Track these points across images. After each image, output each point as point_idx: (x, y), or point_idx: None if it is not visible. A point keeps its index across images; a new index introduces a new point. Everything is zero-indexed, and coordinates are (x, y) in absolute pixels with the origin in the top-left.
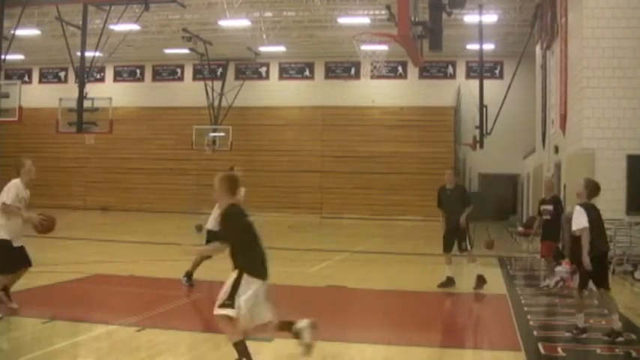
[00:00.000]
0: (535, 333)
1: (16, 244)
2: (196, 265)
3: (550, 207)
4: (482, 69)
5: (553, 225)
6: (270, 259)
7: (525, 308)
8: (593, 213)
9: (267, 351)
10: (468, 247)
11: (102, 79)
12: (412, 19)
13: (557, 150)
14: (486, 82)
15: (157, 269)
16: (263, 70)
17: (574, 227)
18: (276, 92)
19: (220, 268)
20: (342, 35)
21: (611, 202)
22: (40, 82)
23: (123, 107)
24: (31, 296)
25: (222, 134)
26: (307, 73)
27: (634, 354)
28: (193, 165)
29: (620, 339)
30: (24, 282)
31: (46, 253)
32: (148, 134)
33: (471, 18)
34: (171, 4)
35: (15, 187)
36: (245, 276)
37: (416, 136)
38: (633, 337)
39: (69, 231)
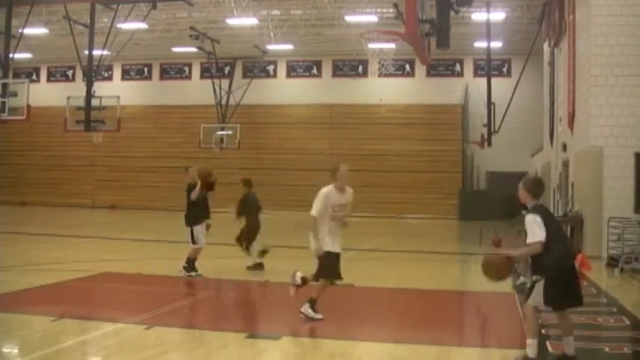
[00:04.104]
0: (543, 331)
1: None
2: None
3: None
4: (489, 67)
5: None
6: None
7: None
8: (548, 218)
9: (275, 349)
10: None
11: (110, 78)
12: (419, 17)
13: (565, 148)
14: (494, 80)
15: (165, 267)
16: (271, 68)
17: (529, 239)
18: (284, 90)
19: (222, 267)
20: (350, 33)
21: (619, 200)
22: (48, 80)
23: (130, 105)
24: (39, 294)
25: (229, 132)
26: (315, 71)
27: None
28: (201, 163)
29: None
30: (31, 280)
31: (54, 251)
32: (155, 132)
33: (478, 16)
34: (178, 2)
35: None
36: None
37: (423, 134)
38: None
39: (77, 229)
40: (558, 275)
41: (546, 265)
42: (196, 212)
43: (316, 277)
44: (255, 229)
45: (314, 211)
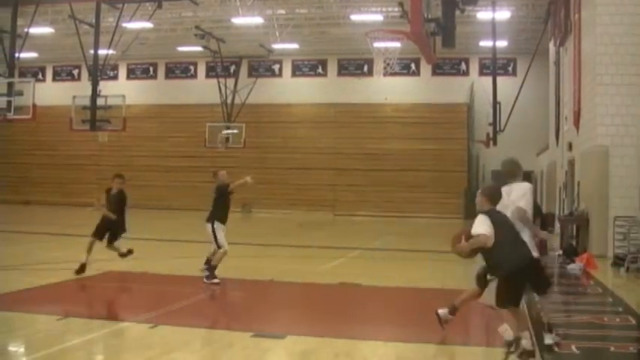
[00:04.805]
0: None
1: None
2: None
3: None
4: (495, 66)
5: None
6: (282, 257)
7: (539, 305)
8: (501, 223)
9: (280, 348)
10: None
11: (115, 77)
12: (425, 16)
13: (570, 147)
14: (499, 79)
15: (171, 266)
16: (276, 67)
17: (472, 232)
18: (289, 89)
19: (227, 266)
20: (355, 32)
21: (625, 200)
22: (54, 80)
23: (136, 105)
24: (44, 293)
25: (235, 131)
26: (320, 70)
27: None
28: (207, 162)
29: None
30: (36, 279)
31: (59, 250)
32: (161, 132)
33: (483, 15)
34: (184, 1)
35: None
36: None
37: (429, 134)
38: None
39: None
40: (514, 274)
41: (501, 265)
42: (223, 213)
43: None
44: (124, 226)
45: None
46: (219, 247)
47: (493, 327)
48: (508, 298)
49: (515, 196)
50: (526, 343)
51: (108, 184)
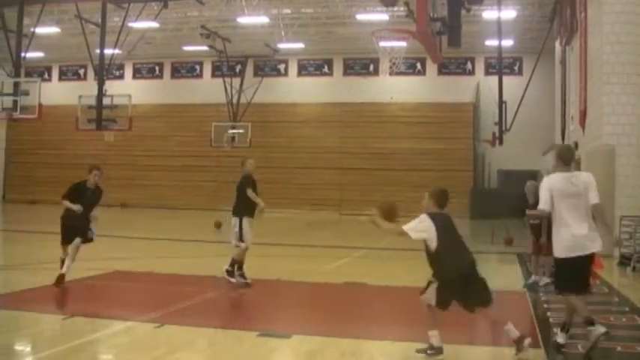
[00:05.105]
0: (555, 330)
1: None
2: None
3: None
4: (501, 65)
5: (542, 228)
6: (288, 257)
7: (545, 305)
8: (445, 228)
9: (286, 347)
10: None
11: (121, 77)
12: (431, 15)
13: (576, 146)
14: (505, 79)
15: (177, 266)
16: (282, 66)
17: (406, 227)
18: (295, 89)
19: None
20: (361, 32)
21: (631, 199)
22: (60, 79)
23: (142, 104)
24: (50, 293)
25: (241, 131)
26: (326, 69)
27: None
28: (212, 162)
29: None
30: (42, 278)
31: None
32: (167, 131)
33: (489, 14)
34: (189, 1)
35: None
36: None
37: (434, 133)
38: None
39: None
40: (449, 283)
41: (439, 272)
42: (249, 205)
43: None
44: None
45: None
46: (241, 241)
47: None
48: (441, 302)
49: (583, 188)
50: (435, 340)
51: (114, 183)
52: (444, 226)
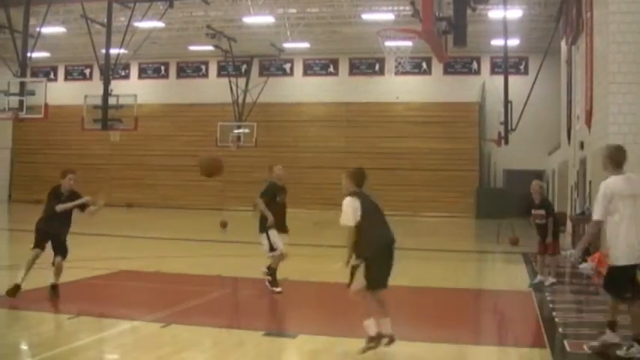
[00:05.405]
0: (561, 330)
1: None
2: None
3: (542, 211)
4: (506, 65)
5: (548, 228)
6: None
7: (551, 305)
8: (367, 205)
9: (291, 347)
10: None
11: (127, 76)
12: (436, 14)
13: (582, 146)
14: (511, 78)
15: (182, 265)
16: (287, 66)
17: (342, 221)
18: (301, 88)
19: (239, 265)
20: (366, 31)
21: None
22: (66, 79)
23: (147, 104)
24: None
25: (246, 131)
26: (331, 69)
27: None
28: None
29: (372, 345)
30: (48, 278)
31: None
32: (172, 131)
33: (495, 13)
34: (195, 0)
35: None
36: None
37: (440, 132)
38: None
39: (94, 227)
40: (375, 255)
41: (364, 249)
42: (277, 218)
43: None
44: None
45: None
46: (273, 250)
47: (505, 326)
48: (376, 280)
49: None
50: (371, 330)
51: (120, 183)
52: (366, 202)
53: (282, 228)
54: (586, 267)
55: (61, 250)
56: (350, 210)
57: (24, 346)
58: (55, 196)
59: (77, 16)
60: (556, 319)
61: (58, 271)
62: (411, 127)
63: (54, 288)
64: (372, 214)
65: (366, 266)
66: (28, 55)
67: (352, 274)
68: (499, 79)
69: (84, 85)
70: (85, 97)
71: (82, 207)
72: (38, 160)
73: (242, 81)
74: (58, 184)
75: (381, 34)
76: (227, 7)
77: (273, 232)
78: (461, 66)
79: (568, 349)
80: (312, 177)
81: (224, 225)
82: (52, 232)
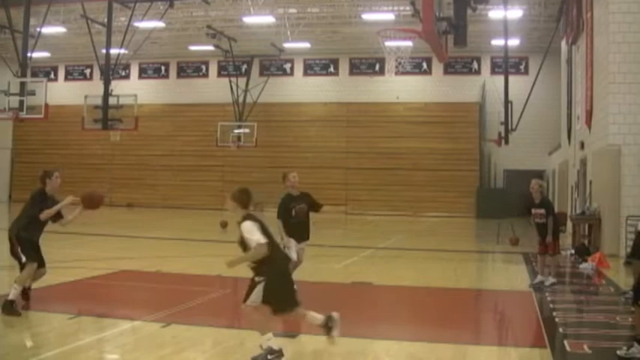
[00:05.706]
0: (561, 330)
1: None
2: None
3: (542, 210)
4: (507, 65)
5: (548, 227)
6: None
7: (551, 305)
8: (262, 225)
9: (292, 347)
10: None
11: (127, 76)
12: (437, 14)
13: (582, 146)
14: (511, 78)
15: (183, 265)
16: (287, 66)
17: (254, 244)
18: (301, 88)
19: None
20: (367, 31)
21: (637, 199)
22: (66, 79)
23: (148, 104)
24: (56, 292)
25: (246, 130)
26: (332, 69)
27: None
28: (218, 161)
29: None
30: (48, 278)
31: (72, 249)
32: (172, 131)
33: (495, 13)
34: (195, 0)
35: None
36: None
37: (440, 132)
38: None
39: (94, 227)
40: (280, 274)
41: (266, 268)
42: (294, 230)
43: None
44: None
45: None
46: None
47: (505, 326)
48: (287, 302)
49: None
50: (273, 343)
51: (120, 183)
52: (262, 224)
53: (302, 237)
54: (586, 267)
55: (42, 259)
56: (255, 229)
57: (25, 346)
58: (40, 201)
59: (77, 16)
60: (556, 319)
61: (37, 278)
62: (411, 127)
63: (26, 291)
64: (270, 236)
65: (267, 283)
66: (29, 55)
67: (251, 289)
68: (499, 79)
69: (84, 85)
70: (86, 97)
71: (56, 217)
72: (38, 160)
73: (242, 81)
74: (42, 187)
75: (382, 34)
76: (227, 7)
77: (291, 241)
78: (461, 66)
79: (568, 349)
80: (312, 177)
81: (224, 225)
82: (36, 240)
